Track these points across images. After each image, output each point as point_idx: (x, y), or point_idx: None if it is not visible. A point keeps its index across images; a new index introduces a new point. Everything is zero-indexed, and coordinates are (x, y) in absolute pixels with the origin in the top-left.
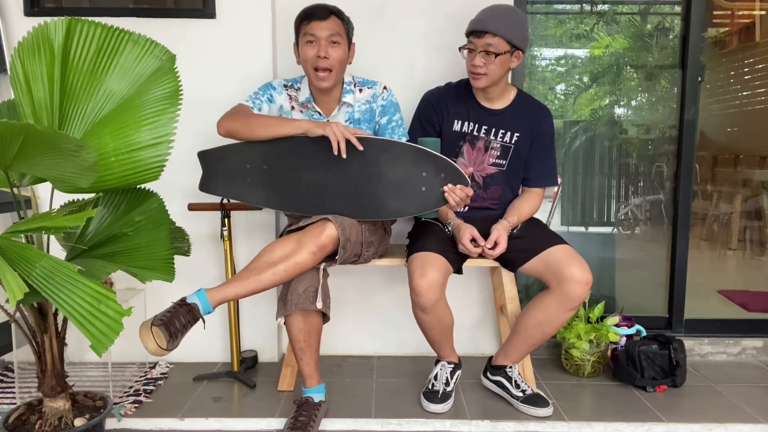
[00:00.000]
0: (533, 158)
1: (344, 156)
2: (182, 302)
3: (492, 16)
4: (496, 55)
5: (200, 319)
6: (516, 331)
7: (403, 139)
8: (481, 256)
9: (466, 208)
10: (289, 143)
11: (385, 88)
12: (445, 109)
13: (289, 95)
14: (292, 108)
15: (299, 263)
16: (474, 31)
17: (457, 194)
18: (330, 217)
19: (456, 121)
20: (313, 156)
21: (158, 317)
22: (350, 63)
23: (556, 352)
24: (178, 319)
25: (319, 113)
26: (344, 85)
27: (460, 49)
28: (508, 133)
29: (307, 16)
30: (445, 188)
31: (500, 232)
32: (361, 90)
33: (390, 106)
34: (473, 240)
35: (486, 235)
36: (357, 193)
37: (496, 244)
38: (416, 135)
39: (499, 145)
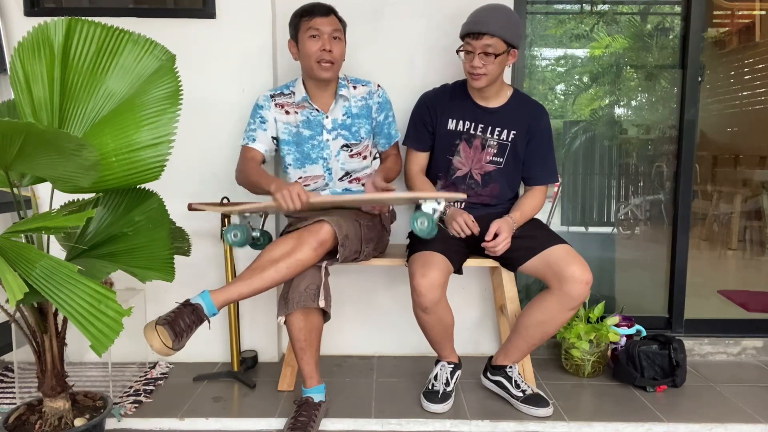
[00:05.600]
0: (533, 156)
1: (297, 207)
2: (186, 303)
3: (488, 17)
4: (496, 55)
5: (205, 320)
6: (516, 330)
7: (399, 135)
8: (481, 253)
9: (462, 204)
10: None
11: (378, 86)
12: (439, 109)
13: (279, 104)
14: (287, 113)
15: (300, 259)
16: (471, 33)
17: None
18: (325, 219)
19: (451, 120)
20: None
21: (163, 317)
22: (343, 60)
23: (556, 352)
24: (183, 319)
25: (317, 110)
26: (339, 81)
27: (457, 51)
28: (505, 131)
29: (308, 13)
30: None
31: (500, 224)
32: (355, 87)
33: (386, 103)
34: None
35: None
36: None
37: (496, 236)
38: (411, 135)
39: (495, 143)
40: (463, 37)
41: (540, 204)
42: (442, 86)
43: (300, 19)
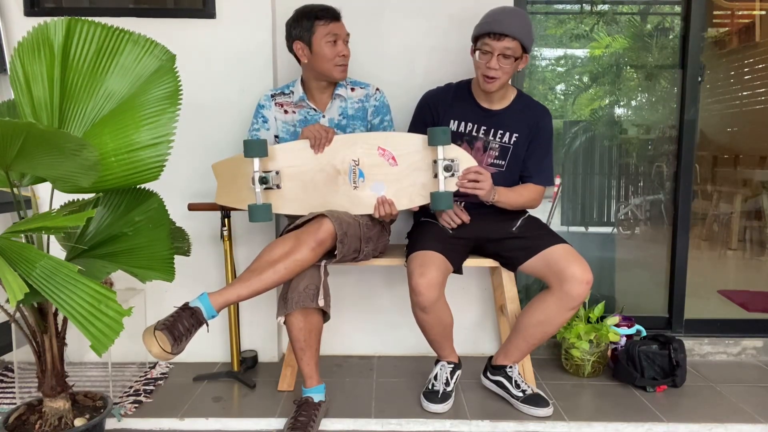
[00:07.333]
0: (529, 155)
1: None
2: (185, 307)
3: (510, 19)
4: (515, 58)
5: (204, 324)
6: (516, 330)
7: None
8: (481, 253)
9: (462, 203)
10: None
11: (377, 89)
12: (441, 109)
13: (279, 103)
14: (285, 112)
15: (299, 260)
16: (492, 33)
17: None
18: (326, 213)
19: (453, 121)
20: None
21: (161, 322)
22: None
23: (556, 352)
24: (182, 323)
25: (314, 109)
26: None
27: (472, 51)
28: (507, 134)
29: (323, 16)
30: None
31: (487, 175)
32: (353, 89)
33: (382, 107)
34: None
35: (486, 238)
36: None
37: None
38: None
39: (497, 146)
40: (477, 37)
41: (532, 197)
42: (446, 85)
43: (314, 22)
